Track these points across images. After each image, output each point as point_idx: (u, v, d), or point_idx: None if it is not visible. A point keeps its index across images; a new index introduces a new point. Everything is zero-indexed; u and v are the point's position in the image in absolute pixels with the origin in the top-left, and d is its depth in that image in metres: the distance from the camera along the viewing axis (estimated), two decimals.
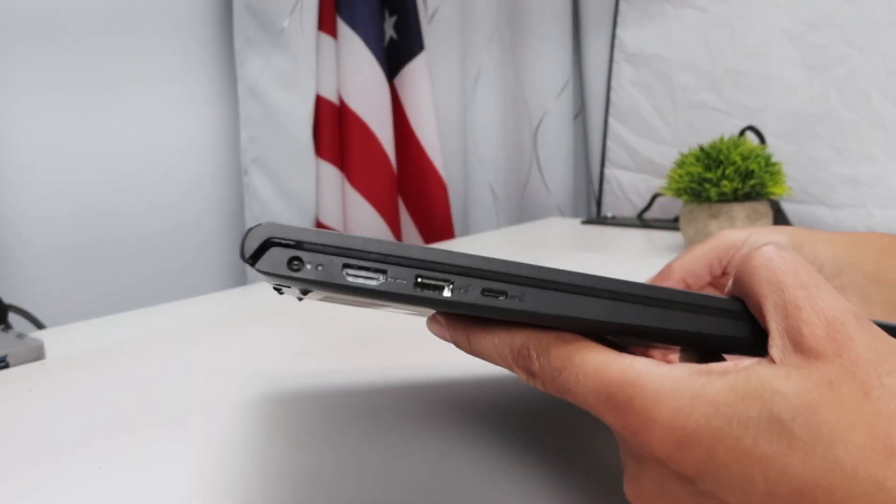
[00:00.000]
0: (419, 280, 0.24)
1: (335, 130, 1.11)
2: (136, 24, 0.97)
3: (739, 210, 0.89)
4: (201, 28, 1.05)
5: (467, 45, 1.40)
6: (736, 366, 0.23)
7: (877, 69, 1.11)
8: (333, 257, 0.24)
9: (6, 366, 0.54)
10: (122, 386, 0.49)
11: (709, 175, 0.89)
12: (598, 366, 0.24)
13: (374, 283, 0.24)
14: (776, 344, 0.22)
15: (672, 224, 1.22)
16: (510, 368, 0.27)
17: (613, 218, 1.36)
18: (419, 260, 0.24)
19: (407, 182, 1.23)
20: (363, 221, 1.13)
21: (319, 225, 1.11)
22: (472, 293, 0.24)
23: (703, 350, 0.28)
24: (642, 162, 1.43)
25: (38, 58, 0.88)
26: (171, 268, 1.04)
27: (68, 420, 0.44)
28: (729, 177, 0.88)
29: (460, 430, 0.39)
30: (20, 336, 0.59)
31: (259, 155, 1.07)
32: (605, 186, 1.50)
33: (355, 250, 0.24)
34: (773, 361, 0.22)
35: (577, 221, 1.35)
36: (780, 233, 0.37)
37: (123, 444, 0.40)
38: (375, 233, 1.14)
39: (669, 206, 1.32)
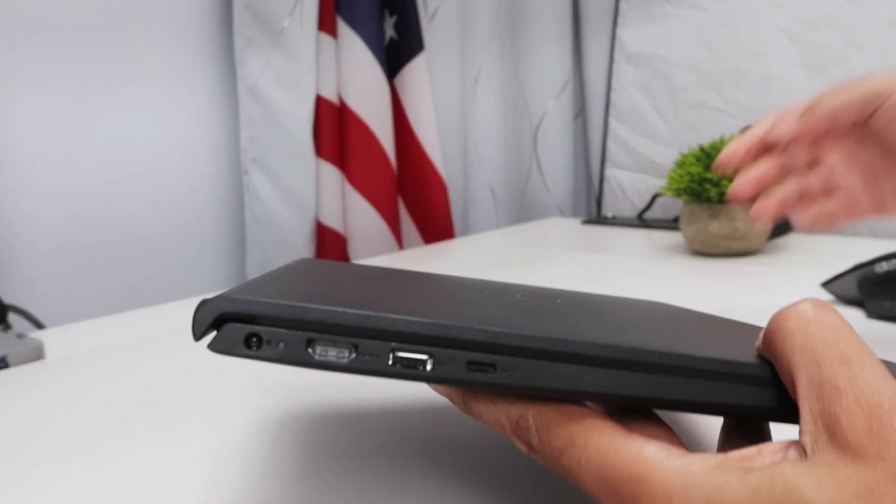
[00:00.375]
0: (395, 354, 0.21)
1: (335, 130, 1.11)
2: (135, 25, 0.97)
3: (740, 210, 0.89)
4: (201, 28, 1.05)
5: (467, 45, 1.40)
6: (761, 454, 0.20)
7: (877, 69, 1.11)
8: (296, 332, 0.21)
9: (6, 366, 0.54)
10: (122, 386, 0.49)
11: (709, 175, 0.89)
12: (604, 451, 0.21)
13: (343, 360, 0.21)
14: (808, 429, 0.19)
15: (672, 224, 1.22)
16: (510, 438, 0.24)
17: (613, 218, 1.36)
18: (393, 332, 0.21)
19: (407, 182, 1.23)
20: (363, 222, 1.13)
21: (320, 225, 1.11)
22: (457, 367, 0.21)
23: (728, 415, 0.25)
24: (642, 162, 1.43)
25: (37, 58, 0.88)
26: (171, 268, 1.04)
27: (68, 420, 0.44)
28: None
29: (463, 428, 0.39)
30: (20, 336, 0.59)
31: (259, 155, 1.07)
32: (605, 186, 1.50)
33: (320, 323, 0.21)
34: (803, 453, 0.19)
35: (577, 221, 1.35)
36: None
37: (123, 444, 0.40)
38: (376, 233, 1.14)
39: (669, 206, 1.32)
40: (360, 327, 0.21)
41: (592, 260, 0.95)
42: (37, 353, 0.56)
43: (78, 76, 0.92)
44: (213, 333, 0.22)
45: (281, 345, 0.21)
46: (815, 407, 0.19)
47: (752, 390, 0.22)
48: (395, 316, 0.21)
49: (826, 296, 0.64)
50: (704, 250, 0.92)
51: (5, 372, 0.53)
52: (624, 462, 0.21)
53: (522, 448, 0.23)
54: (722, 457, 0.20)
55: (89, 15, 0.92)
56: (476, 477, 0.34)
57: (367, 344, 0.21)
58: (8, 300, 0.76)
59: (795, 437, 0.21)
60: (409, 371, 0.21)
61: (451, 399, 0.26)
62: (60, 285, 0.92)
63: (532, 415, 0.23)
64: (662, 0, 1.37)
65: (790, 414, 0.21)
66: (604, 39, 1.50)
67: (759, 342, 0.24)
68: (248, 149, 1.07)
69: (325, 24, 1.09)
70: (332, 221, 1.12)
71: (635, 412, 0.24)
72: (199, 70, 1.05)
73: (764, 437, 0.25)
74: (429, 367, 0.21)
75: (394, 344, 0.21)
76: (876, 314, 0.59)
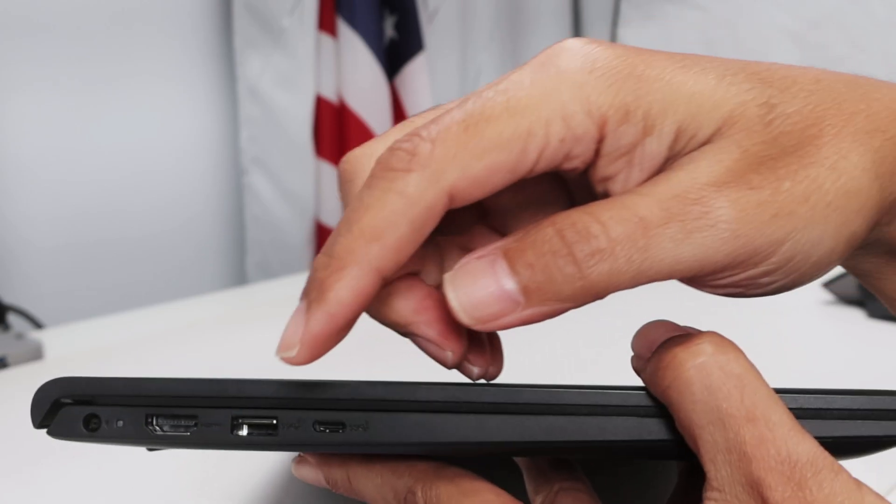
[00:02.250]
0: (238, 421, 0.20)
1: (335, 130, 1.11)
2: (135, 24, 0.97)
3: None
4: (201, 28, 1.05)
5: (467, 45, 1.40)
6: None
7: (878, 69, 1.11)
8: (134, 409, 0.20)
9: (5, 366, 0.54)
10: None
11: None
12: None
13: (186, 433, 0.20)
14: (715, 496, 0.18)
15: None
16: None
17: None
18: (231, 397, 0.20)
19: None
20: None
21: (319, 225, 1.11)
22: (304, 429, 0.20)
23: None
24: None
25: (37, 58, 0.88)
26: (171, 267, 1.03)
27: None
28: None
29: None
30: (19, 336, 0.59)
31: (259, 155, 1.07)
32: None
33: (157, 396, 0.20)
34: None
35: None
36: None
37: None
38: None
39: None
40: (197, 395, 0.20)
41: None
42: (36, 353, 0.55)
43: (78, 76, 0.92)
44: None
45: (120, 422, 0.20)
46: (724, 472, 0.17)
47: (632, 422, 0.20)
48: (233, 379, 0.20)
49: (827, 296, 0.64)
50: None
51: (4, 372, 0.53)
52: None
53: None
54: None
55: (89, 15, 0.92)
56: None
57: (208, 413, 0.20)
58: (7, 300, 0.76)
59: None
60: (256, 439, 0.20)
61: (333, 485, 0.23)
62: (60, 285, 0.92)
63: (420, 488, 0.21)
64: (663, 0, 1.37)
65: (689, 453, 0.19)
66: (604, 39, 1.50)
67: (645, 377, 0.20)
68: (248, 148, 1.07)
69: (325, 24, 1.08)
70: (332, 221, 1.12)
71: (553, 469, 0.23)
72: (199, 70, 1.05)
73: None
74: (275, 432, 0.20)
75: (234, 411, 0.20)
76: (877, 314, 0.59)
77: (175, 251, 1.04)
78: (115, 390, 0.20)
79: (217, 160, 1.09)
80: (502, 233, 0.24)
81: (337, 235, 0.19)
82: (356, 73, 1.10)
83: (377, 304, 0.21)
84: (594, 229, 0.18)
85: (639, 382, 0.21)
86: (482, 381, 0.21)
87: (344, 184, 0.22)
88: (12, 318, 0.75)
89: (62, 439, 0.21)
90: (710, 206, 0.19)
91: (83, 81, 0.92)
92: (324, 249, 0.19)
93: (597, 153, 0.20)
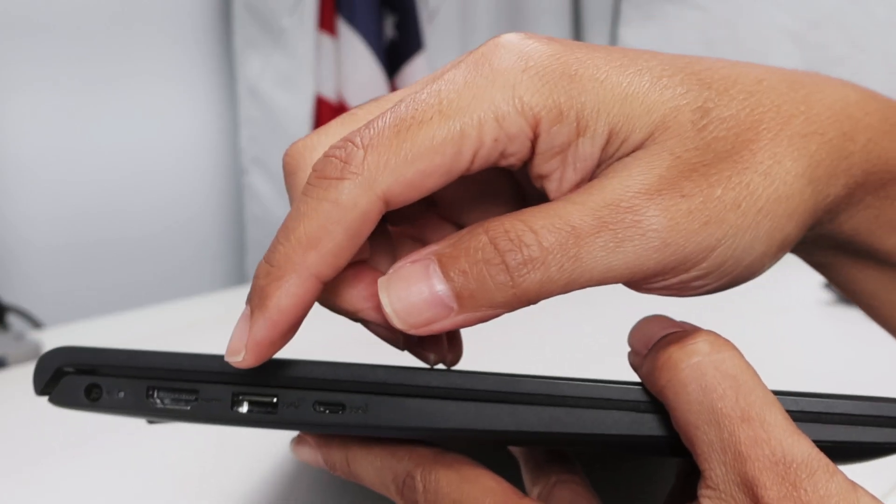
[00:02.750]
0: (238, 398, 0.20)
1: None
2: (135, 25, 0.97)
3: None
4: (201, 28, 1.05)
5: (467, 45, 1.40)
6: None
7: (878, 69, 1.11)
8: (136, 380, 0.21)
9: (5, 366, 0.54)
10: None
11: None
12: None
13: (185, 407, 0.20)
14: (710, 495, 0.18)
15: None
16: (394, 500, 0.22)
17: None
18: (233, 374, 0.20)
19: None
20: None
21: None
22: (304, 408, 0.20)
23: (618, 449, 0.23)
24: None
25: (37, 58, 0.88)
26: (171, 267, 1.03)
27: (67, 420, 0.43)
28: None
29: None
30: (19, 336, 0.59)
31: (259, 154, 1.07)
32: None
33: (159, 369, 0.20)
34: None
35: None
36: None
37: (122, 443, 0.40)
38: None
39: None
40: (200, 370, 0.20)
41: None
42: (35, 353, 0.55)
43: (78, 76, 0.92)
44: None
45: (121, 394, 0.21)
46: (718, 471, 0.17)
47: (629, 417, 0.20)
48: None
49: (827, 296, 0.64)
50: None
51: (4, 372, 0.53)
52: None
53: None
54: None
55: (90, 15, 0.92)
56: None
57: (209, 388, 0.20)
58: (7, 299, 0.76)
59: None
60: (255, 416, 0.20)
61: (331, 467, 0.23)
62: (60, 285, 0.92)
63: (420, 473, 0.21)
64: (663, 0, 1.37)
65: (683, 450, 0.19)
66: (604, 39, 1.50)
67: (640, 373, 0.21)
68: (248, 148, 1.07)
69: (325, 24, 1.08)
70: None
71: (550, 462, 0.23)
72: (199, 70, 1.05)
73: None
74: (275, 410, 0.20)
75: (235, 387, 0.20)
76: None
77: (175, 251, 1.04)
78: (117, 361, 0.21)
79: (217, 160, 1.09)
80: (452, 222, 0.25)
81: (276, 243, 0.19)
82: (356, 73, 1.10)
83: (327, 294, 0.21)
84: (527, 238, 0.19)
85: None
86: (478, 369, 0.21)
87: (287, 177, 0.22)
88: (12, 318, 0.75)
89: (62, 407, 0.21)
90: (641, 215, 0.19)
91: (83, 81, 0.92)
92: (265, 256, 0.19)
93: (532, 151, 0.20)
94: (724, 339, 0.19)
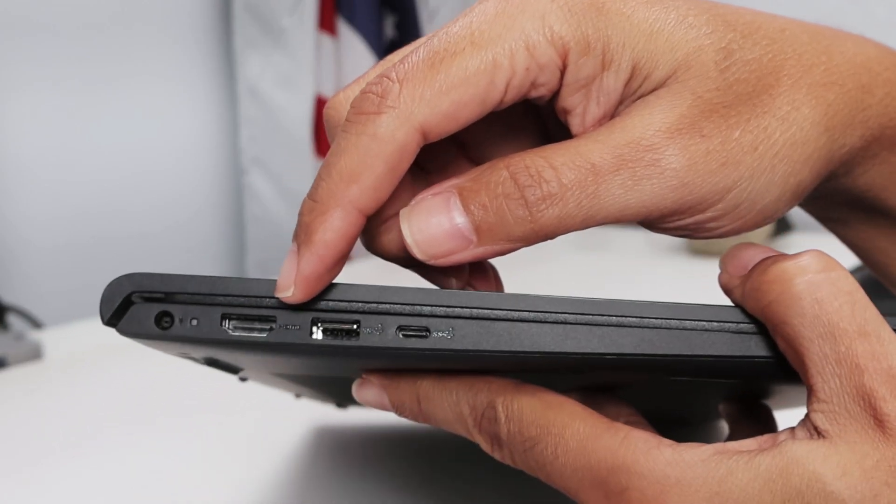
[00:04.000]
0: (317, 325, 0.19)
1: None
2: (135, 25, 0.97)
3: None
4: (201, 28, 1.05)
5: None
6: (760, 444, 0.18)
7: None
8: (210, 307, 0.20)
9: (5, 365, 0.54)
10: (120, 385, 0.49)
11: None
12: (585, 439, 0.19)
13: (262, 335, 0.19)
14: (823, 408, 0.17)
15: None
16: (470, 436, 0.21)
17: None
18: (312, 299, 0.19)
19: None
20: None
21: None
22: (387, 333, 0.19)
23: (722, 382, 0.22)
24: None
25: (37, 58, 0.88)
26: (171, 267, 1.03)
27: (67, 420, 0.43)
28: None
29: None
30: (19, 336, 0.59)
31: (258, 154, 1.07)
32: None
33: (234, 296, 0.20)
34: (816, 433, 0.17)
35: None
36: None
37: (122, 443, 0.40)
38: None
39: None
40: (276, 297, 0.19)
41: (592, 259, 0.94)
42: (35, 353, 0.55)
43: (78, 76, 0.92)
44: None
45: (194, 321, 0.20)
46: (832, 384, 0.17)
47: (722, 338, 0.19)
48: None
49: None
50: (705, 250, 0.92)
51: (4, 372, 0.53)
52: (608, 451, 0.18)
53: (486, 446, 0.21)
54: (719, 445, 0.18)
55: (90, 15, 0.92)
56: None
57: (286, 315, 0.19)
58: (7, 299, 0.76)
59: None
60: (335, 343, 0.19)
61: (400, 409, 0.22)
62: (60, 285, 0.92)
63: (501, 402, 0.20)
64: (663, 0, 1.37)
65: (784, 371, 0.19)
66: None
67: (738, 294, 0.20)
68: (248, 148, 1.07)
69: (325, 24, 1.08)
70: None
71: (613, 403, 0.23)
72: (199, 70, 1.05)
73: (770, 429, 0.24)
74: (356, 338, 0.19)
75: (314, 314, 0.19)
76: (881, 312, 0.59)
77: (175, 250, 1.04)
78: (191, 288, 0.20)
79: (217, 160, 1.09)
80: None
81: (319, 179, 0.19)
82: (356, 73, 1.10)
83: (377, 240, 0.22)
84: (547, 174, 0.19)
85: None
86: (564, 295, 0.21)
87: (330, 130, 0.22)
88: (12, 318, 0.75)
89: (131, 337, 0.20)
90: (660, 154, 0.19)
91: (83, 81, 0.92)
92: (309, 193, 0.20)
93: (560, 82, 0.20)
94: (834, 258, 0.19)
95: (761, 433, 0.19)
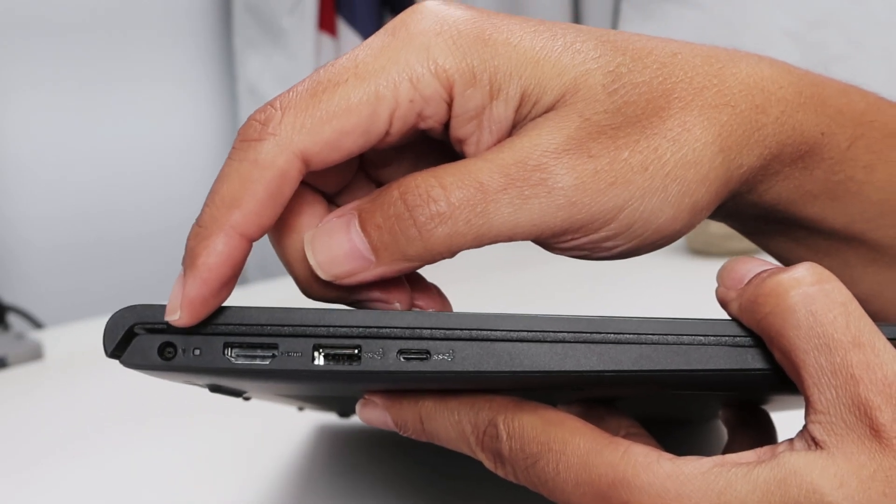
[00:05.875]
0: (319, 351, 0.20)
1: None
2: (135, 25, 0.97)
3: None
4: (201, 28, 1.05)
5: None
6: (759, 456, 0.18)
7: (878, 69, 1.11)
8: (212, 337, 0.20)
9: (5, 366, 0.54)
10: (121, 385, 0.49)
11: None
12: (586, 455, 0.19)
13: (264, 362, 0.20)
14: (820, 419, 0.17)
15: None
16: (473, 454, 0.21)
17: None
18: (314, 325, 0.20)
19: None
20: None
21: None
22: (388, 357, 0.20)
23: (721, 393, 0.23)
24: None
25: (37, 58, 0.88)
26: (171, 267, 1.03)
27: (67, 420, 0.43)
28: None
29: None
30: (19, 336, 0.59)
31: None
32: None
33: (236, 325, 0.20)
34: (814, 444, 0.17)
35: None
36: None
37: (122, 443, 0.40)
38: None
39: None
40: (279, 323, 0.20)
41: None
42: (36, 353, 0.55)
43: (77, 76, 0.92)
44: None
45: (197, 351, 0.20)
46: (829, 395, 0.17)
47: (720, 351, 0.19)
48: (314, 308, 0.20)
49: None
50: (704, 250, 0.92)
51: (4, 372, 0.53)
52: (608, 466, 0.18)
53: (489, 463, 0.21)
54: (718, 457, 0.18)
55: (89, 15, 0.92)
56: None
57: (288, 342, 0.20)
58: (7, 300, 0.76)
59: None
60: (337, 368, 0.20)
61: (402, 427, 0.23)
62: (60, 285, 0.92)
63: (502, 420, 0.20)
64: (662, 0, 1.37)
65: (781, 382, 0.19)
66: None
67: (734, 308, 0.20)
68: None
69: (325, 24, 1.08)
70: None
71: (614, 415, 0.23)
72: (198, 70, 1.05)
73: (770, 441, 0.24)
74: (357, 363, 0.20)
75: (316, 339, 0.20)
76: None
77: (175, 251, 1.03)
78: None
79: (217, 160, 1.09)
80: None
81: (204, 206, 0.20)
82: None
83: (313, 286, 0.22)
84: (435, 193, 0.19)
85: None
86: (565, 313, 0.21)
87: None
88: (12, 318, 0.75)
89: (135, 369, 0.20)
90: (548, 173, 0.19)
91: (83, 81, 0.92)
92: (196, 219, 0.20)
93: (449, 114, 0.20)
94: (827, 271, 0.19)
95: (760, 440, 0.19)
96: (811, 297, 0.18)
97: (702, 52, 0.22)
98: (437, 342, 0.20)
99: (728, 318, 0.20)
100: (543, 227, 0.20)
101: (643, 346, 0.20)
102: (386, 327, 0.20)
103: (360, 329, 0.20)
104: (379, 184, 0.24)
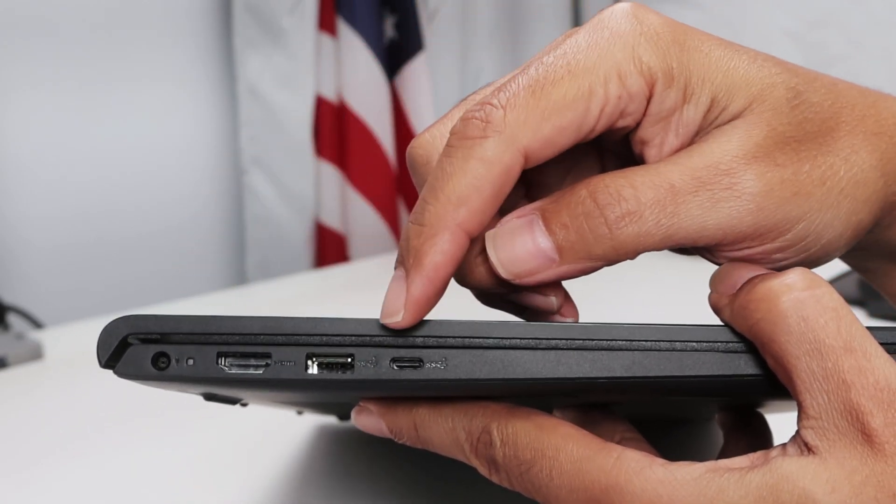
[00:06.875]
0: (312, 360, 0.20)
1: (335, 130, 1.11)
2: (135, 25, 0.97)
3: None
4: (201, 28, 1.05)
5: (467, 45, 1.40)
6: (752, 462, 0.18)
7: (878, 69, 1.11)
8: (205, 346, 0.20)
9: (5, 366, 0.54)
10: (121, 385, 0.49)
11: None
12: (579, 461, 0.19)
13: (257, 372, 0.20)
14: (811, 424, 0.17)
15: None
16: (468, 461, 0.22)
17: None
18: (306, 335, 0.20)
19: (407, 182, 1.23)
20: (363, 222, 1.13)
21: (319, 225, 1.11)
22: (381, 366, 0.20)
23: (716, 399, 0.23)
24: None
25: (37, 58, 0.88)
26: (171, 267, 1.03)
27: (67, 420, 0.43)
28: None
29: None
30: (19, 336, 0.59)
31: (259, 155, 1.07)
32: None
33: (229, 334, 0.20)
34: (806, 449, 0.18)
35: None
36: None
37: (122, 443, 0.40)
38: (375, 233, 1.13)
39: None
40: (272, 333, 0.20)
41: None
42: (36, 353, 0.55)
43: (77, 76, 0.92)
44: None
45: (190, 361, 0.20)
46: (820, 400, 0.17)
47: (712, 357, 0.19)
48: (307, 317, 0.20)
49: None
50: None
51: (4, 372, 0.53)
52: (601, 472, 0.19)
53: (483, 470, 0.21)
54: (710, 463, 0.18)
55: (89, 15, 0.92)
56: None
57: (281, 351, 0.20)
58: (7, 300, 0.76)
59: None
60: (331, 377, 0.20)
61: (397, 434, 0.23)
62: (60, 285, 0.92)
63: (496, 427, 0.21)
64: (663, 0, 1.37)
65: (774, 387, 0.19)
66: None
67: (726, 314, 0.20)
68: (248, 148, 1.07)
69: (325, 24, 1.08)
70: (332, 221, 1.12)
71: (609, 420, 0.23)
72: (198, 70, 1.05)
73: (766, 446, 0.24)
74: (350, 371, 0.20)
75: (309, 349, 0.20)
76: (878, 313, 0.59)
77: (175, 251, 1.04)
78: (185, 328, 0.20)
79: (217, 160, 1.09)
80: None
81: (424, 203, 0.20)
82: (356, 73, 1.10)
83: (474, 270, 0.22)
84: (626, 193, 0.20)
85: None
86: (562, 319, 0.22)
87: (419, 167, 0.23)
88: (12, 318, 0.75)
89: (129, 379, 0.20)
90: (738, 178, 0.20)
91: (83, 81, 0.92)
92: (412, 218, 0.20)
93: (644, 113, 0.21)
94: (818, 276, 0.19)
95: (756, 443, 0.19)
96: (802, 303, 0.18)
97: (855, 86, 0.23)
98: (430, 350, 0.20)
99: (720, 323, 0.20)
100: (729, 230, 0.20)
101: (635, 352, 0.20)
102: (378, 336, 0.20)
103: (353, 338, 0.20)
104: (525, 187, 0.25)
